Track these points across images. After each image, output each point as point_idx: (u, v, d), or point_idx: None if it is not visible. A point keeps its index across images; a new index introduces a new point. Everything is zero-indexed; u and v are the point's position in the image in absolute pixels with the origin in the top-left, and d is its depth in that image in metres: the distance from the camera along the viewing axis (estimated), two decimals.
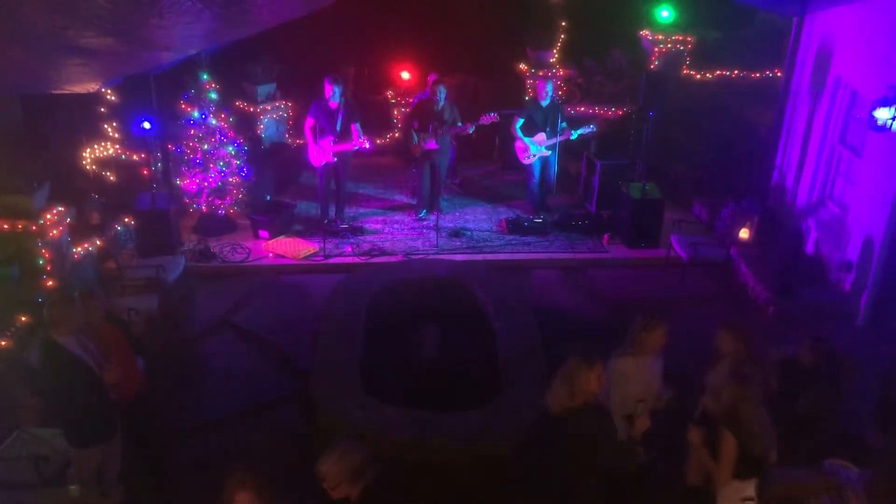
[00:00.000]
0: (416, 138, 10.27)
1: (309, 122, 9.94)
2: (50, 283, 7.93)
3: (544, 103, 10.28)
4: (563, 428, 4.80)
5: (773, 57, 11.28)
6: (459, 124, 10.26)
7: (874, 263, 8.25)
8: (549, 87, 10.33)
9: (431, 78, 10.74)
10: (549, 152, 10.45)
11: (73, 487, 5.39)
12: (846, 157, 9.24)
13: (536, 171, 10.62)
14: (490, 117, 10.17)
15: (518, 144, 10.53)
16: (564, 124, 10.33)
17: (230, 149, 10.12)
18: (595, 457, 4.78)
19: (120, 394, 5.49)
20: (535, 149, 10.39)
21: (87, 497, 5.38)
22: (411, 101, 11.66)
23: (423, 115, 10.34)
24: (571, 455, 4.84)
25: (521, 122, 10.41)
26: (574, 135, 10.30)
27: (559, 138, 10.30)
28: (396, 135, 12.71)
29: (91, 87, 8.44)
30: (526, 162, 10.58)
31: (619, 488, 5.07)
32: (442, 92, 10.12)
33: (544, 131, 10.29)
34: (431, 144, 10.25)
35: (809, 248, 9.46)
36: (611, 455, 4.80)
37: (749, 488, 4.84)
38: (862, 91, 8.72)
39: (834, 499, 5.62)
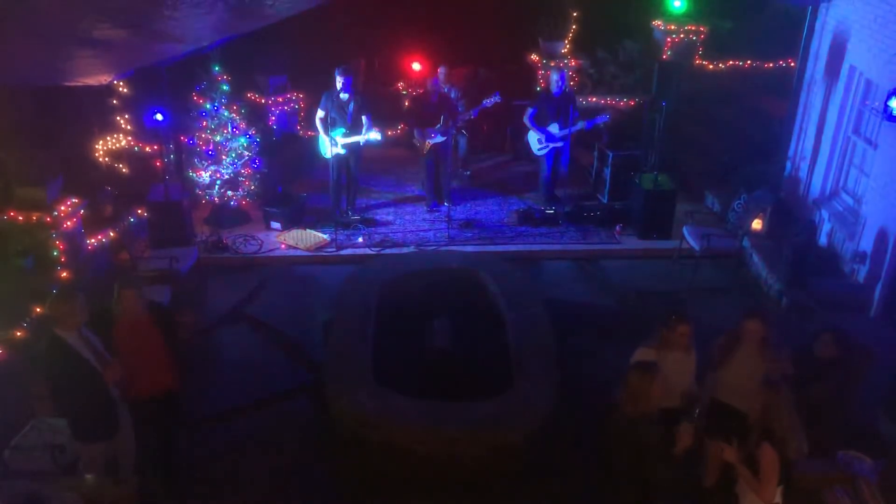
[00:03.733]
0: (421, 135, 10.27)
1: (320, 113, 9.95)
2: (64, 274, 7.98)
3: (556, 94, 10.23)
4: (618, 434, 4.89)
5: (787, 47, 11.20)
6: (461, 111, 10.24)
7: (888, 255, 8.19)
8: (561, 78, 10.28)
9: (441, 70, 10.71)
10: (562, 143, 10.40)
11: (89, 476, 5.44)
12: (860, 147, 9.17)
13: (549, 162, 10.58)
14: (492, 99, 10.11)
15: (531, 135, 10.49)
16: (577, 115, 10.30)
17: (242, 140, 10.16)
18: (640, 467, 4.85)
19: (143, 388, 5.52)
20: (548, 140, 10.35)
21: (102, 486, 5.43)
22: (421, 92, 11.64)
23: (421, 111, 10.34)
24: (618, 460, 4.92)
25: (533, 112, 10.37)
26: (588, 125, 10.25)
27: (572, 129, 10.25)
28: (407, 127, 12.71)
29: (103, 79, 8.47)
30: (538, 153, 10.54)
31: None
32: (436, 84, 10.10)
33: (556, 122, 10.25)
34: (437, 138, 10.24)
35: (823, 239, 9.40)
36: (655, 467, 4.85)
37: (778, 494, 4.78)
38: (877, 81, 8.65)
39: (847, 490, 5.61)
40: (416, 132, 10.35)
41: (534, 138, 10.48)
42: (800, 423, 4.79)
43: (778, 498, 4.79)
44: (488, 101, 10.14)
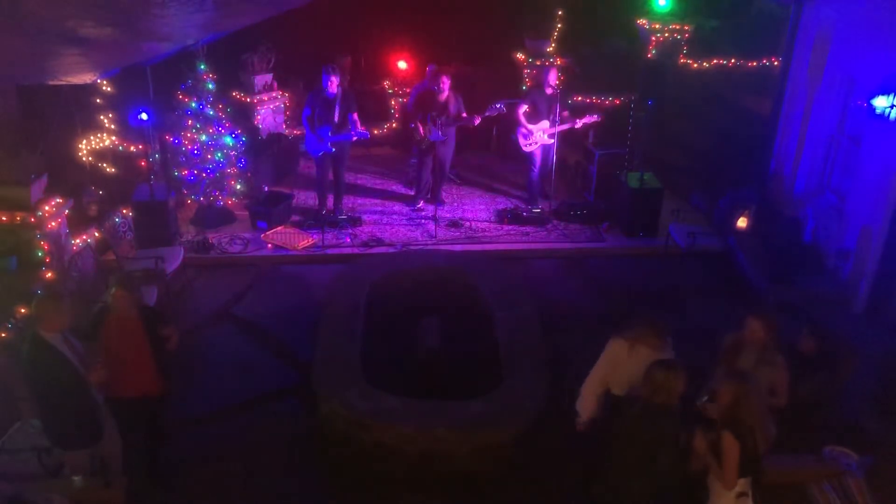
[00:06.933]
0: (422, 130, 10.20)
1: (306, 112, 9.89)
2: (48, 274, 7.91)
3: (549, 91, 10.22)
4: (634, 423, 4.91)
5: (771, 45, 11.28)
6: (464, 115, 10.17)
7: (872, 251, 8.28)
8: (554, 75, 10.28)
9: (430, 68, 10.66)
10: (552, 141, 10.38)
11: (76, 478, 5.40)
12: (844, 145, 9.26)
13: (537, 160, 10.57)
14: (497, 108, 9.98)
15: (521, 131, 10.45)
16: (568, 112, 10.31)
17: (228, 139, 10.09)
18: (653, 460, 4.86)
19: (125, 389, 5.46)
20: (538, 136, 10.33)
21: (90, 488, 5.39)
22: (409, 91, 11.59)
23: (426, 107, 10.27)
24: (632, 451, 4.94)
25: (524, 108, 10.34)
26: (578, 123, 10.26)
27: (563, 126, 10.25)
28: (394, 125, 12.68)
29: (88, 77, 8.39)
30: (527, 150, 10.52)
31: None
32: (445, 83, 10.04)
33: (548, 119, 10.23)
34: (437, 136, 10.18)
35: (807, 236, 9.48)
36: (668, 461, 4.87)
37: (743, 484, 4.81)
38: (860, 79, 8.73)
39: (834, 485, 5.66)
40: (420, 125, 10.21)
41: (522, 135, 10.44)
42: (768, 412, 4.86)
43: (745, 488, 4.81)
44: (492, 111, 10.00)
